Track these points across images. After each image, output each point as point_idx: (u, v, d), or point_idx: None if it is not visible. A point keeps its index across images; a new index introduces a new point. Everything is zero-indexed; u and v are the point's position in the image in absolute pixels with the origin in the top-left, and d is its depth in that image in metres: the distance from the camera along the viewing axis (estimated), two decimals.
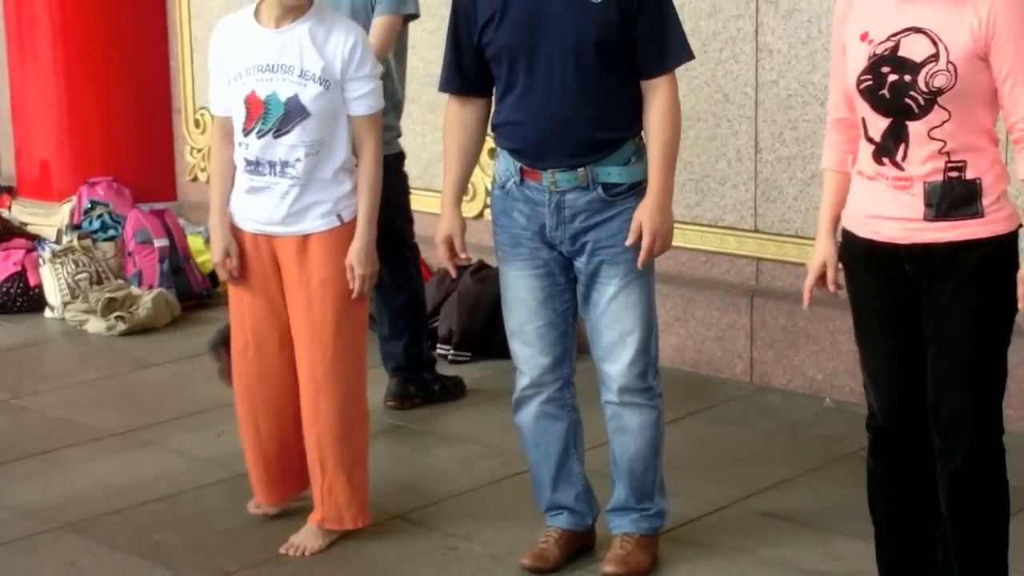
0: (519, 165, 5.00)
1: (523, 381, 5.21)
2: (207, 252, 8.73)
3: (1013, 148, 4.25)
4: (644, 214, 4.89)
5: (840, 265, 4.54)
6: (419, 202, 7.98)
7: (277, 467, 5.59)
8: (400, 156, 6.93)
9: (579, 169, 4.91)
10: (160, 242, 8.82)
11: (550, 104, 4.90)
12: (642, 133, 5.00)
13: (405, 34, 6.89)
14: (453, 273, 5.36)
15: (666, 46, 4.92)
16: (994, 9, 4.13)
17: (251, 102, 5.21)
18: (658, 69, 4.92)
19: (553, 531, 5.31)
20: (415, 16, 6.81)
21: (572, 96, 4.88)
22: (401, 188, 6.93)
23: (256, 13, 5.29)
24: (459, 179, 5.19)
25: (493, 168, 5.16)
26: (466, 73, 5.08)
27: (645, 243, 4.88)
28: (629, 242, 4.90)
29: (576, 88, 4.87)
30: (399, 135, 6.93)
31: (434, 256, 7.96)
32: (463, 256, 5.21)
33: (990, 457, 4.37)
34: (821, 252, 4.52)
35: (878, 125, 4.28)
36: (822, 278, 4.53)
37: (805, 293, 4.57)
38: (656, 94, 4.92)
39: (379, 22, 6.57)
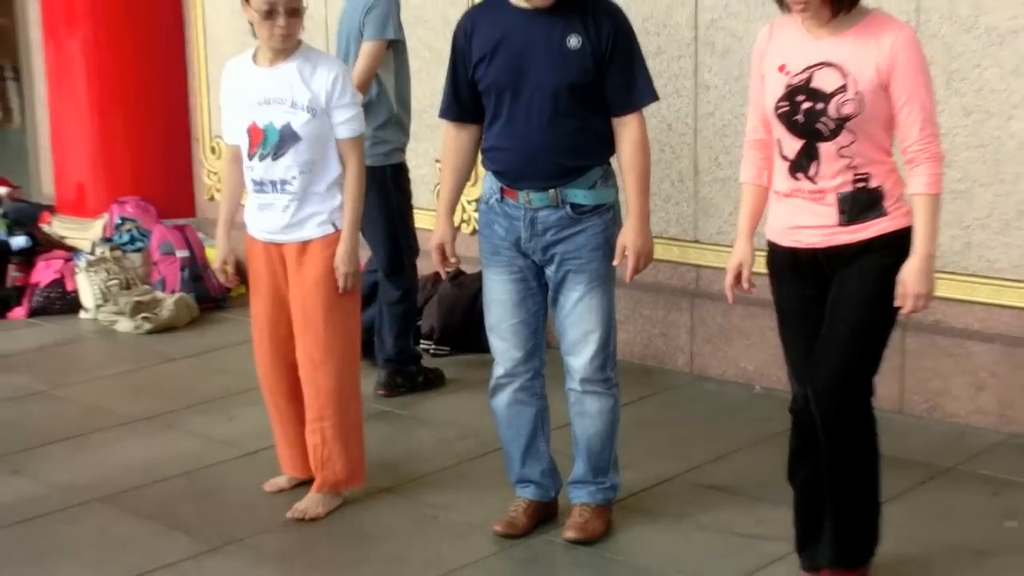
0: (500, 185, 5.05)
1: (498, 371, 5.24)
2: None
3: (906, 167, 4.31)
4: (628, 238, 4.96)
5: (766, 270, 4.59)
6: None
7: (300, 444, 5.62)
8: (398, 167, 6.92)
9: (550, 190, 4.95)
10: (181, 253, 8.83)
11: (528, 134, 4.94)
12: (609, 161, 5.03)
13: (401, 56, 6.91)
14: (444, 275, 5.39)
15: (635, 89, 4.97)
16: (895, 47, 4.20)
17: (252, 131, 5.31)
18: (628, 108, 4.96)
19: (522, 502, 5.34)
20: (397, 41, 6.80)
21: (547, 129, 4.91)
22: (399, 195, 6.91)
23: (254, 56, 5.39)
24: (452, 194, 5.24)
25: (483, 185, 5.18)
26: (462, 103, 5.12)
27: (630, 264, 4.96)
28: (616, 262, 4.99)
29: (551, 122, 4.91)
30: (398, 147, 6.92)
31: (420, 262, 8.00)
32: (452, 261, 5.25)
33: (858, 414, 4.44)
34: (738, 254, 4.58)
35: (792, 146, 4.34)
36: (739, 276, 4.57)
37: (727, 291, 4.63)
38: (627, 130, 4.96)
39: (364, 47, 6.65)
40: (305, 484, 5.64)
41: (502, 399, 5.28)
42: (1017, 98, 6.07)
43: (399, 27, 6.81)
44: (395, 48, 6.84)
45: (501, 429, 5.36)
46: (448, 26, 7.89)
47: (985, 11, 6.10)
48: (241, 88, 5.40)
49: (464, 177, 5.26)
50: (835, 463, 4.46)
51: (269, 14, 5.16)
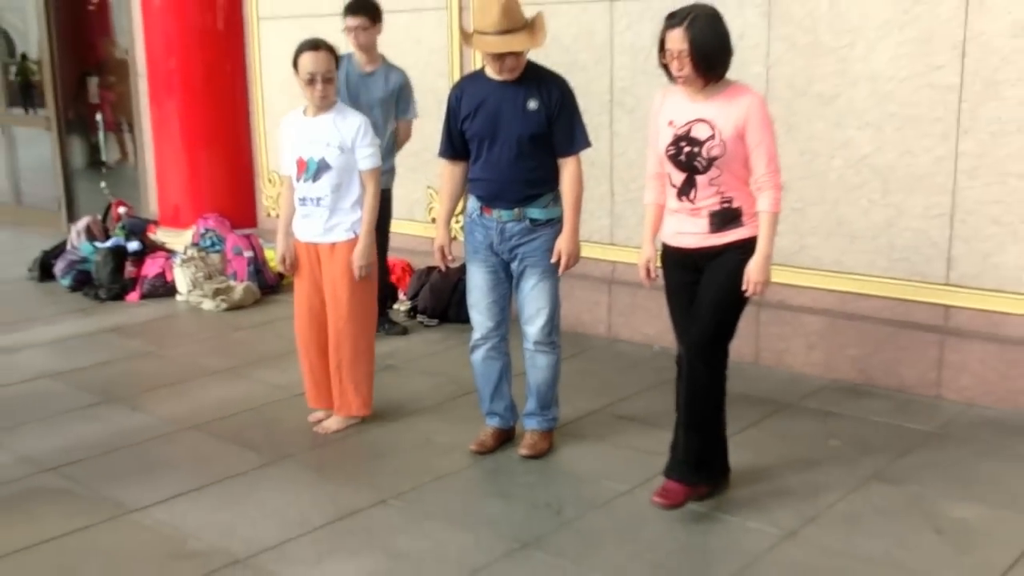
0: (480, 204, 5.09)
1: (476, 335, 5.26)
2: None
3: (756, 193, 4.38)
4: (562, 243, 5.00)
5: (659, 264, 4.64)
6: (406, 227, 8.01)
7: (323, 384, 5.67)
8: None
9: (515, 208, 4.99)
10: (248, 253, 8.77)
11: (500, 170, 4.98)
12: (558, 188, 5.05)
13: None
14: (443, 269, 5.41)
15: (574, 138, 5.00)
16: (749, 108, 4.29)
17: (299, 162, 5.39)
18: (568, 152, 5.00)
19: (490, 428, 5.37)
20: None
21: (513, 166, 4.96)
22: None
23: (304, 110, 5.45)
24: (448, 211, 5.24)
25: (467, 204, 5.23)
26: (454, 146, 5.14)
27: (563, 262, 5.01)
28: (552, 260, 5.01)
29: (515, 161, 4.96)
30: None
31: (416, 260, 7.99)
32: (449, 258, 5.27)
33: (708, 363, 4.46)
34: (645, 254, 4.64)
35: (678, 178, 4.41)
36: (647, 270, 4.62)
37: (643, 280, 4.66)
38: (567, 168, 5.00)
39: None
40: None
41: (478, 355, 5.29)
42: (838, 143, 6.11)
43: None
44: None
45: (476, 377, 5.36)
46: (435, 92, 7.94)
47: (814, 81, 6.14)
48: (293, 132, 5.45)
49: (457, 199, 5.24)
50: (690, 400, 4.50)
51: (310, 81, 5.26)
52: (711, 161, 4.30)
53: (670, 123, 4.41)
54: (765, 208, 4.33)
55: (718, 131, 4.28)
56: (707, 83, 4.31)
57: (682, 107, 4.39)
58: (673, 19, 4.26)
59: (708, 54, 4.23)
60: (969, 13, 5.60)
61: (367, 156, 5.41)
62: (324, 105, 5.36)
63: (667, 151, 4.40)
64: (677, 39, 4.23)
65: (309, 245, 5.49)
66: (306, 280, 5.56)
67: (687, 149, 4.34)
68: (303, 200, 5.42)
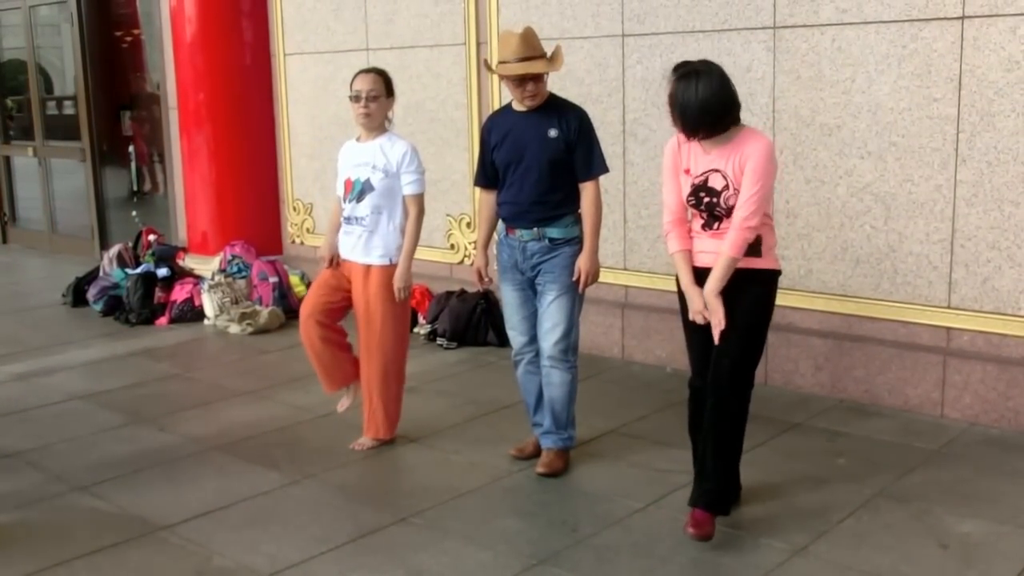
0: (505, 226, 5.19)
1: (513, 351, 5.34)
2: (301, 285, 8.84)
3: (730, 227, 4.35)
4: (582, 261, 5.04)
5: (676, 289, 4.55)
6: (426, 253, 7.98)
7: (331, 366, 5.60)
8: None
9: (534, 228, 5.08)
10: (273, 279, 8.78)
11: (522, 192, 5.08)
12: (578, 211, 5.09)
13: None
14: (481, 288, 5.60)
15: (592, 164, 5.06)
16: (749, 153, 4.25)
17: (346, 183, 5.48)
18: (587, 177, 5.06)
19: (532, 438, 5.42)
20: None
21: (534, 190, 5.06)
22: None
23: (358, 137, 5.54)
24: (486, 236, 5.37)
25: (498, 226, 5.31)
26: (487, 175, 5.27)
27: (582, 280, 5.04)
28: (573, 279, 5.05)
29: (537, 185, 5.05)
30: None
31: (435, 285, 7.95)
32: (486, 280, 5.41)
33: (739, 396, 4.39)
34: (698, 301, 4.33)
35: (703, 219, 4.38)
36: (700, 313, 4.35)
37: (699, 319, 4.36)
38: (587, 191, 5.06)
39: None
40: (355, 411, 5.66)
41: (519, 370, 5.35)
42: (842, 171, 6.08)
43: None
44: None
45: (520, 389, 5.42)
46: (454, 123, 7.95)
47: (818, 112, 6.11)
48: (347, 156, 5.55)
49: (493, 224, 5.33)
50: (719, 431, 4.38)
51: (356, 99, 5.38)
52: (730, 209, 4.28)
53: (687, 172, 4.38)
54: (724, 249, 4.24)
55: (731, 180, 4.27)
56: (699, 137, 4.29)
57: (697, 156, 4.36)
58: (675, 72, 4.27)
59: (712, 109, 4.20)
60: (964, 48, 5.59)
61: (411, 182, 5.45)
62: (368, 124, 5.44)
63: (688, 200, 4.39)
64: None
65: (345, 261, 5.55)
66: (334, 276, 5.57)
67: (706, 199, 4.32)
68: (348, 219, 5.49)
